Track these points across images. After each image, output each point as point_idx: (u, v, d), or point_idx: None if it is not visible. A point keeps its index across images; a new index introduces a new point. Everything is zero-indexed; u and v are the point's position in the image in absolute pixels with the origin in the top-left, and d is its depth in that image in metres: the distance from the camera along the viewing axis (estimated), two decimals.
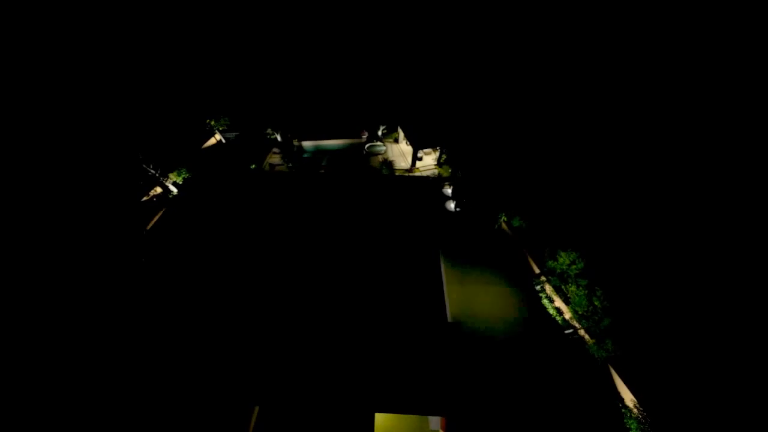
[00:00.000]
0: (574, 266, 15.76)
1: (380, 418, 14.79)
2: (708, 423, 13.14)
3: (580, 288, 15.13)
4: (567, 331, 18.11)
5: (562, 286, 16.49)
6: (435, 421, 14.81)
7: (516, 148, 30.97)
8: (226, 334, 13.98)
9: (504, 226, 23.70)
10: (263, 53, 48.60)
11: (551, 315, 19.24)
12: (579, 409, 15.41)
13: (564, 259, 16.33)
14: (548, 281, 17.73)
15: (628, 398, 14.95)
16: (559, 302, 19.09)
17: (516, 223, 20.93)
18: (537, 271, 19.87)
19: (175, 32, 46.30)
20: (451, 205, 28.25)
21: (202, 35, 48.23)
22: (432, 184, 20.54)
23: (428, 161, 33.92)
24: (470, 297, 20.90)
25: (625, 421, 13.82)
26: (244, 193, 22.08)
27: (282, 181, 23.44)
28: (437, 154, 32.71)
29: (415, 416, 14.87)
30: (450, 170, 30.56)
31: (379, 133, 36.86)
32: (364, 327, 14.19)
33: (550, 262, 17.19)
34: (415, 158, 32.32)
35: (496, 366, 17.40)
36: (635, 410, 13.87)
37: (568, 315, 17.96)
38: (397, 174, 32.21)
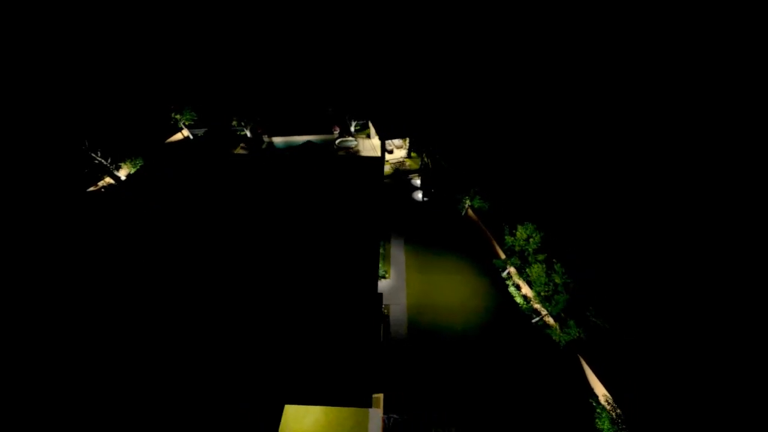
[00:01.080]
0: (532, 240, 14.13)
1: (318, 412, 12.48)
2: (686, 419, 10.98)
3: (539, 264, 13.43)
4: (534, 320, 16.08)
5: (526, 269, 14.76)
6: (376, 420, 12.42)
7: (475, 133, 31.76)
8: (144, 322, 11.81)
9: (470, 213, 22.25)
10: (233, 46, 47.60)
11: (518, 303, 17.29)
12: (543, 407, 13.09)
13: (521, 233, 14.76)
14: (511, 263, 15.97)
15: (601, 393, 12.73)
16: (525, 288, 17.22)
17: (477, 203, 19.50)
18: (503, 256, 18.17)
19: (132, 15, 44.89)
20: (419, 195, 27.07)
21: (164, 20, 47.27)
22: (376, 163, 19.19)
23: (399, 154, 33.21)
24: (431, 286, 18.91)
25: (596, 420, 11.54)
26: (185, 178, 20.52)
27: (220, 163, 21.88)
28: (407, 145, 32.26)
29: (358, 411, 12.54)
30: (418, 161, 30.20)
31: (352, 129, 36.38)
32: (281, 312, 12.13)
33: (508, 238, 15.55)
34: (384, 149, 31.57)
35: (451, 358, 15.15)
36: (608, 406, 11.63)
37: (535, 303, 16.05)
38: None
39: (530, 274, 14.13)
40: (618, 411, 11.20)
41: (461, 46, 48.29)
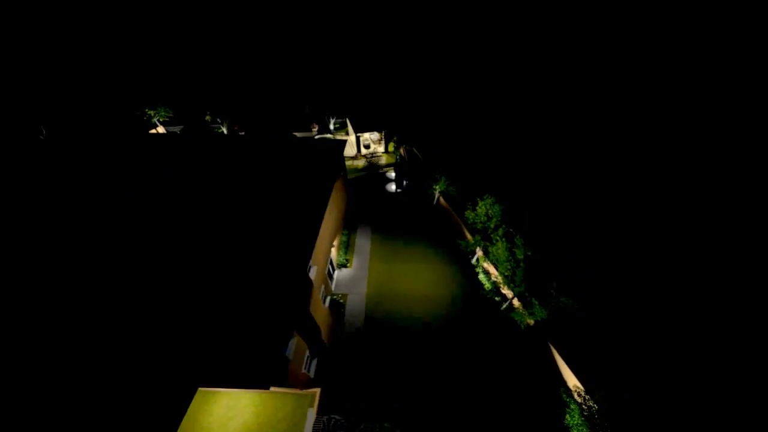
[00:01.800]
0: (492, 213, 12.99)
1: (249, 414, 10.65)
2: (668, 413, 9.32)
3: (501, 240, 12.21)
4: (503, 307, 14.57)
5: (490, 249, 13.48)
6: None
7: (446, 123, 32.06)
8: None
9: (442, 201, 21.23)
10: (211, 42, 47.23)
11: (486, 290, 15.84)
12: (506, 400, 11.30)
13: (482, 208, 13.66)
14: (475, 242, 14.64)
15: (572, 384, 11.05)
16: (495, 273, 15.86)
17: (442, 186, 18.47)
18: (469, 237, 16.87)
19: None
20: (392, 187, 26.17)
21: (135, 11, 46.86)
22: (336, 145, 18.33)
23: (377, 149, 32.73)
24: (395, 275, 17.44)
25: (566, 416, 9.83)
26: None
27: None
28: (383, 139, 32.03)
29: (295, 411, 10.71)
30: (395, 157, 29.90)
31: (331, 126, 36.15)
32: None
33: (469, 214, 14.39)
34: (359, 143, 31.15)
35: (409, 350, 13.45)
36: (578, 398, 9.95)
37: (503, 287, 14.65)
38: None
39: (493, 253, 12.87)
40: (591, 404, 9.57)
41: (433, 47, 49.87)
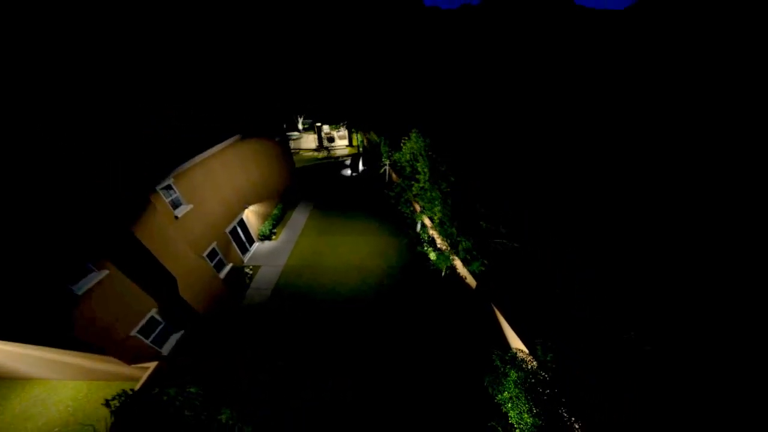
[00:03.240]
0: (417, 147, 10.83)
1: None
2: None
3: (424, 173, 9.93)
4: (445, 272, 11.64)
5: (414, 188, 10.86)
6: None
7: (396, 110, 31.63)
8: None
9: (395, 177, 19.28)
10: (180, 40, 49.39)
11: (431, 259, 13.04)
12: (431, 375, 7.90)
13: (407, 145, 11.56)
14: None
15: (517, 348, 7.83)
16: (439, 240, 13.21)
17: (384, 150, 16.59)
18: (419, 218, 14.52)
19: None
20: (347, 172, 24.40)
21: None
22: None
23: (341, 144, 31.78)
24: (327, 248, 14.62)
25: (499, 387, 6.53)
26: None
27: None
28: (345, 132, 31.50)
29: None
30: (358, 148, 29.08)
31: (300, 126, 35.86)
32: None
33: (396, 155, 12.26)
34: (320, 136, 30.42)
35: (325, 322, 10.22)
36: (521, 356, 6.73)
37: (442, 244, 11.94)
38: (301, 152, 29.91)
39: (423, 201, 10.47)
40: (532, 364, 6.43)
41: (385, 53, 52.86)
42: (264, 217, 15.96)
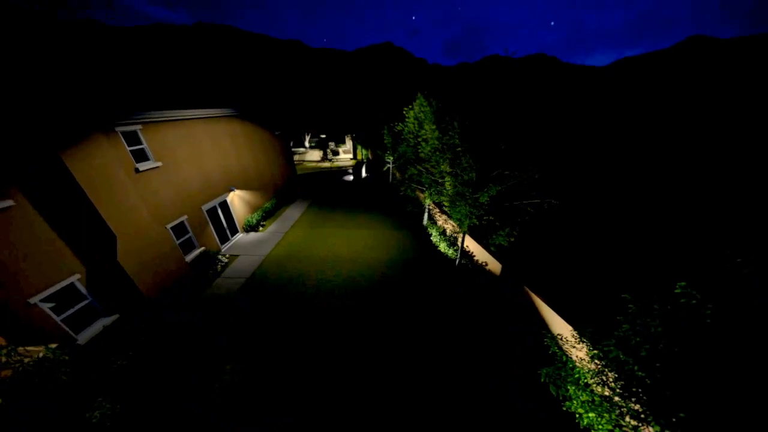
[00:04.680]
0: (424, 110, 9.40)
1: None
2: None
3: (432, 129, 8.39)
4: (460, 261, 9.29)
5: (429, 180, 9.31)
6: None
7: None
8: None
9: (399, 175, 18.00)
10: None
11: (440, 250, 10.80)
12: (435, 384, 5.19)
13: (411, 111, 10.26)
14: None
15: (567, 333, 5.24)
16: (449, 226, 11.10)
17: (387, 139, 15.38)
18: (426, 202, 12.72)
19: None
20: (349, 177, 23.33)
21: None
22: None
23: (344, 156, 31.51)
24: (319, 241, 12.58)
25: (567, 381, 3.97)
26: None
27: None
28: (350, 146, 31.53)
29: None
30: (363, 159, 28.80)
31: (306, 144, 36.54)
32: None
33: (399, 127, 10.82)
34: (326, 150, 30.37)
35: (297, 316, 7.79)
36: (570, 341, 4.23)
37: (449, 225, 9.81)
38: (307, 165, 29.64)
39: (433, 177, 8.77)
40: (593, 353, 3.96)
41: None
42: (254, 208, 14.42)
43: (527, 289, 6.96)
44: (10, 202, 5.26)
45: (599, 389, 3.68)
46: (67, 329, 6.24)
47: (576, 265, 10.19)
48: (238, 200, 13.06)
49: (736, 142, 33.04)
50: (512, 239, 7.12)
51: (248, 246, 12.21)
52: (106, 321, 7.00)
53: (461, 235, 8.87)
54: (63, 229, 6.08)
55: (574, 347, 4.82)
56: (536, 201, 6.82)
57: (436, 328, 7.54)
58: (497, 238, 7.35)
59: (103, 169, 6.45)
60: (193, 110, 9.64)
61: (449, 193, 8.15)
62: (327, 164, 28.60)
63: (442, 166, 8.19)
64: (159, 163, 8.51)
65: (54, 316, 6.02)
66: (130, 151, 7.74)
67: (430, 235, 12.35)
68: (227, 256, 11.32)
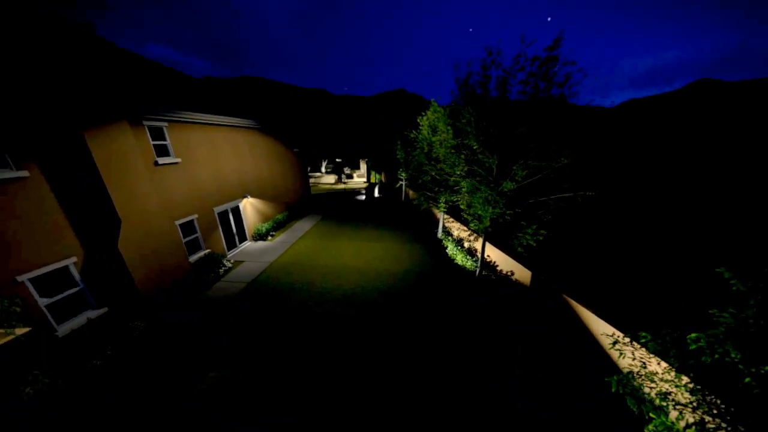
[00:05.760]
0: (436, 115, 9.15)
1: None
2: None
3: (447, 130, 8.03)
4: (480, 273, 8.16)
5: (441, 153, 8.66)
6: None
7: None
8: None
9: (411, 193, 17.71)
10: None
11: (459, 264, 9.73)
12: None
13: (424, 119, 10.09)
14: (432, 194, 10.16)
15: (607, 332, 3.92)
16: (466, 235, 10.08)
17: (403, 174, 15.25)
18: (441, 208, 12.01)
19: None
20: (361, 197, 23.26)
21: None
22: None
23: (358, 180, 32.08)
24: (328, 251, 11.91)
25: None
26: None
27: None
28: (364, 170, 32.29)
29: None
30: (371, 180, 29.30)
31: (323, 169, 38.01)
32: None
33: (413, 134, 10.57)
34: (341, 173, 31.15)
35: (294, 326, 6.81)
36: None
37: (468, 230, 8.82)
38: (321, 187, 30.27)
39: (447, 166, 8.19)
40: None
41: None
42: (265, 218, 14.31)
43: (567, 298, 5.86)
44: (25, 173, 5.28)
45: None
46: (49, 316, 5.72)
47: (615, 268, 8.83)
48: (250, 208, 13.06)
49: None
50: (541, 238, 6.27)
51: (255, 253, 11.75)
52: (92, 314, 6.44)
53: (480, 240, 8.05)
54: (70, 208, 5.98)
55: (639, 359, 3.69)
56: (567, 195, 6.12)
57: (445, 335, 6.36)
58: (524, 238, 6.50)
59: (122, 155, 6.57)
60: (217, 116, 10.22)
61: (467, 189, 7.57)
62: (341, 186, 29.23)
63: (457, 169, 7.82)
64: (178, 160, 8.73)
65: (39, 299, 5.58)
66: (153, 144, 8.02)
67: (446, 247, 11.46)
68: (232, 261, 10.84)
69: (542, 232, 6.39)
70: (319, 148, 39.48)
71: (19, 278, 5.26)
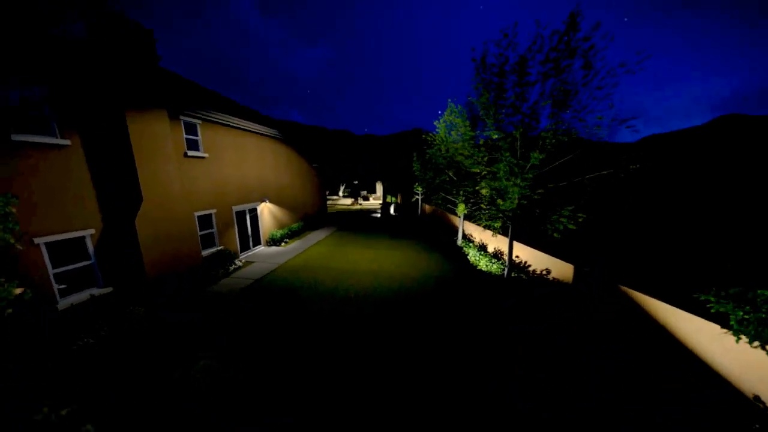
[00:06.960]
0: (454, 114, 8.94)
1: None
2: None
3: (466, 125, 7.72)
4: (509, 274, 7.04)
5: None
6: None
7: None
8: None
9: (427, 208, 17.23)
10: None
11: (484, 270, 8.63)
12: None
13: (441, 121, 9.91)
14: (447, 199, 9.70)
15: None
16: (489, 242, 9.05)
17: (418, 188, 14.99)
18: (459, 211, 11.25)
19: None
20: (377, 215, 22.93)
21: None
22: None
23: (374, 202, 32.15)
24: (344, 256, 11.34)
25: None
26: None
27: None
28: (380, 194, 32.46)
29: None
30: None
31: (340, 193, 39.00)
32: None
33: (429, 137, 10.37)
34: (357, 195, 31.56)
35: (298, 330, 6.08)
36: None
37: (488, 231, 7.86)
38: (337, 207, 30.54)
39: (467, 159, 7.73)
40: None
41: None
42: (281, 225, 14.32)
43: (625, 289, 4.81)
44: (67, 142, 5.67)
45: None
46: (55, 286, 5.56)
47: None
48: (267, 213, 13.20)
49: None
50: (580, 220, 5.47)
51: (266, 256, 11.45)
52: (95, 291, 6.22)
53: (506, 240, 7.25)
54: (99, 181, 6.23)
55: None
56: (607, 171, 5.45)
57: (462, 338, 5.29)
58: (558, 222, 5.71)
59: (155, 138, 7.01)
60: (245, 121, 11.02)
61: (492, 185, 7.07)
62: (357, 206, 29.55)
63: (477, 157, 7.48)
64: (206, 155, 9.21)
65: (49, 265, 5.50)
66: (186, 138, 8.61)
67: (467, 254, 10.53)
68: (243, 261, 10.59)
69: (580, 215, 5.63)
70: (337, 169, 41.27)
71: (36, 240, 5.29)
